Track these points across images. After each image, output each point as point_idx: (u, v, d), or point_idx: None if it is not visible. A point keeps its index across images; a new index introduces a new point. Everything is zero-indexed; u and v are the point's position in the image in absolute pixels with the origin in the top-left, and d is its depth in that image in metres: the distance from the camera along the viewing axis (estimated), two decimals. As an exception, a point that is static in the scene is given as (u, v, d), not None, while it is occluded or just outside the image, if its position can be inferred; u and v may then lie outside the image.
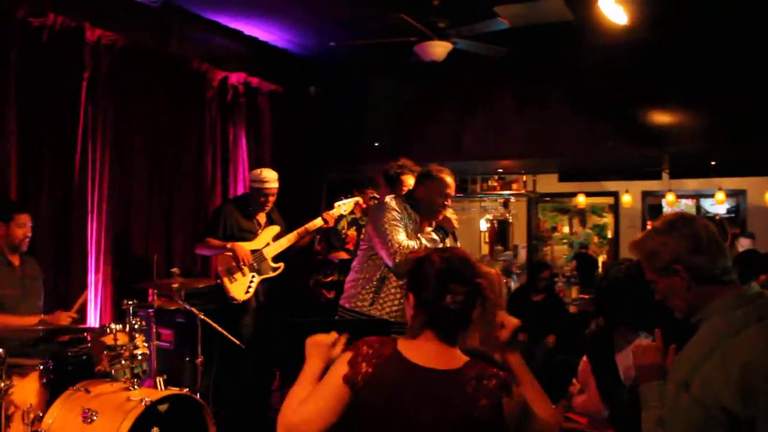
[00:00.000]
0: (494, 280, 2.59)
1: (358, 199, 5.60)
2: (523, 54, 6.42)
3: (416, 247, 3.79)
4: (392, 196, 4.04)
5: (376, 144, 7.55)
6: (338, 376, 1.94)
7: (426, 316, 2.01)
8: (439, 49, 5.66)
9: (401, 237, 3.79)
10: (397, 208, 3.89)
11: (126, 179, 5.60)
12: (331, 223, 5.32)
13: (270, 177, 5.24)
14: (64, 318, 4.17)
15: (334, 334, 2.19)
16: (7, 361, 3.42)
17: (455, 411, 1.89)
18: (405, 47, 5.81)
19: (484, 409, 1.89)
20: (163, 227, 5.93)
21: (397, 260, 3.77)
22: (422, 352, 1.98)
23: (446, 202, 3.99)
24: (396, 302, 3.87)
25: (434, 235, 3.93)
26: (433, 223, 4.04)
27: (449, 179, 4.00)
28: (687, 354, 1.95)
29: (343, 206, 5.43)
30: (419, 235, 3.91)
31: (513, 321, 2.16)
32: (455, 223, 4.03)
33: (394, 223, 3.83)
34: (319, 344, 2.15)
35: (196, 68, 6.25)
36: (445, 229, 3.98)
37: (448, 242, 4.08)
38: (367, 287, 3.90)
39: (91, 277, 5.22)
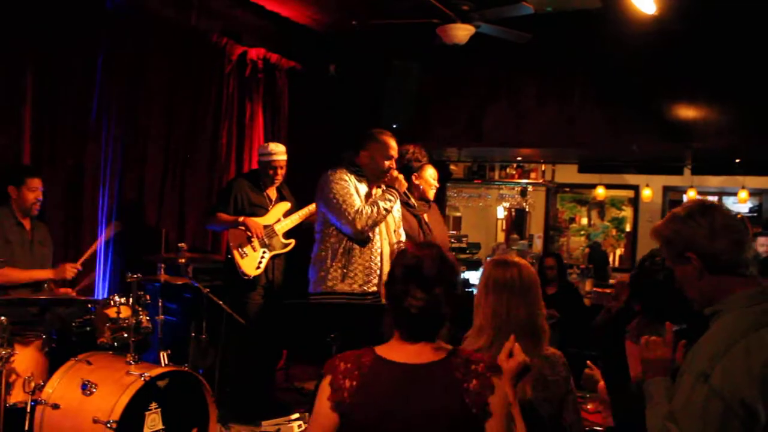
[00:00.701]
0: (516, 272, 2.49)
1: None
2: (547, 41, 6.30)
3: (374, 210, 3.80)
4: (332, 168, 3.99)
5: (395, 126, 7.46)
6: (324, 400, 1.91)
7: (392, 313, 1.97)
8: (462, 32, 5.55)
9: (357, 203, 3.80)
10: (343, 177, 3.87)
11: (140, 151, 5.57)
12: None
13: (277, 150, 5.22)
14: (69, 270, 4.20)
15: None
16: (10, 329, 3.40)
17: (448, 397, 1.85)
18: (428, 29, 5.72)
19: (476, 390, 1.84)
20: (176, 202, 5.90)
21: (358, 226, 3.77)
22: (402, 351, 1.94)
23: (391, 164, 3.96)
24: (367, 270, 3.87)
25: (387, 195, 3.90)
26: (382, 186, 4.01)
27: (391, 140, 3.98)
28: (705, 346, 1.90)
29: None
30: (373, 199, 3.90)
31: (521, 357, 2.06)
32: (403, 182, 4.00)
33: (344, 190, 3.82)
34: None
35: (215, 42, 6.18)
36: (394, 187, 3.96)
37: (399, 205, 4.09)
38: (334, 264, 3.86)
39: (102, 248, 5.20)
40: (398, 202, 4.04)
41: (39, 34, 4.71)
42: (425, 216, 4.66)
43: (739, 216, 1.99)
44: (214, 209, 5.23)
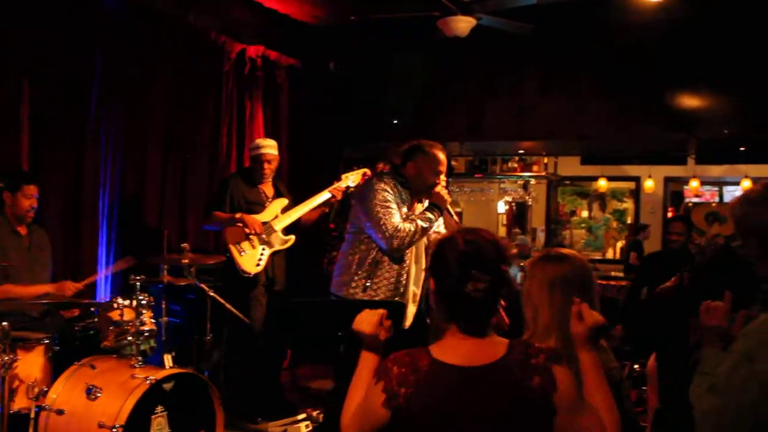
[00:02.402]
0: (578, 265, 2.40)
1: (366, 170, 5.46)
2: (549, 32, 6.25)
3: (412, 229, 3.66)
4: (378, 175, 3.90)
5: (396, 121, 7.41)
6: (377, 404, 1.82)
7: (447, 305, 1.87)
8: (463, 25, 5.51)
9: (396, 219, 3.64)
10: (387, 188, 3.72)
11: (140, 152, 5.51)
12: (339, 196, 5.19)
13: (267, 143, 5.16)
14: (69, 288, 4.12)
15: (378, 313, 2.04)
16: (12, 335, 3.34)
17: (509, 399, 1.76)
18: (428, 22, 5.67)
19: (539, 387, 1.75)
20: (176, 202, 5.84)
21: (394, 245, 3.63)
22: (459, 351, 1.83)
23: (437, 180, 3.82)
24: (390, 286, 3.75)
25: (429, 214, 3.76)
26: (425, 201, 3.89)
27: (441, 155, 3.82)
28: (759, 326, 1.86)
29: (351, 177, 5.29)
30: (414, 216, 3.77)
31: (594, 316, 1.95)
32: (447, 198, 3.85)
33: (386, 204, 3.67)
34: (368, 333, 2.02)
35: (213, 40, 6.13)
36: (438, 205, 3.82)
37: (442, 220, 3.95)
38: (360, 272, 3.74)
39: (102, 251, 5.16)
40: (440, 220, 3.89)
41: (35, 37, 4.65)
42: None
43: None
44: (210, 208, 5.10)
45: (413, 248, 3.82)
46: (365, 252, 3.75)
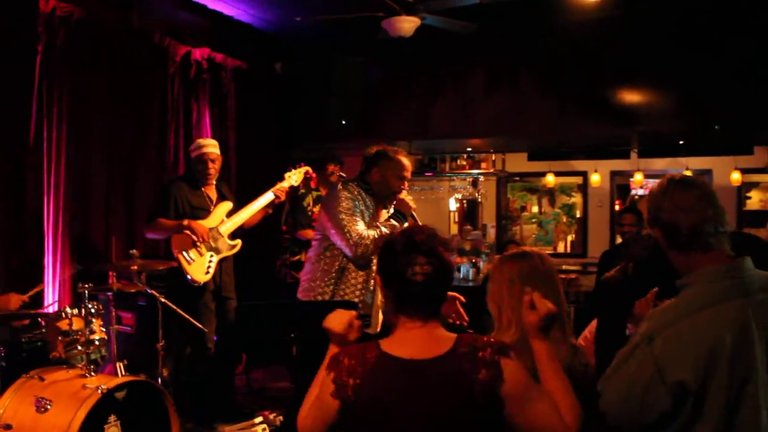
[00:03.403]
0: (538, 261, 2.44)
1: (307, 168, 5.45)
2: (493, 32, 6.34)
3: (376, 236, 3.67)
4: (343, 182, 3.90)
5: (344, 122, 7.43)
6: (328, 394, 1.87)
7: (394, 295, 1.93)
8: (407, 25, 5.55)
9: (360, 227, 3.66)
10: (351, 196, 3.73)
11: (84, 157, 5.39)
12: (283, 197, 5.17)
13: (208, 142, 5.08)
14: (15, 300, 4.02)
15: (350, 314, 2.08)
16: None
17: (455, 392, 1.80)
18: (373, 23, 5.69)
19: (485, 380, 1.79)
20: (123, 207, 5.74)
21: (358, 252, 3.64)
22: (406, 343, 1.89)
23: (402, 186, 3.84)
24: (357, 293, 3.76)
25: (393, 221, 3.79)
26: (390, 207, 3.90)
27: (406, 161, 3.84)
28: (663, 311, 1.93)
29: (293, 176, 5.27)
30: (378, 222, 3.78)
31: (545, 305, 1.99)
32: (412, 204, 3.87)
33: (350, 211, 3.68)
34: (337, 331, 2.05)
35: (157, 43, 6.05)
36: (402, 212, 3.84)
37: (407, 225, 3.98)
38: (326, 279, 3.76)
39: (48, 259, 5.03)
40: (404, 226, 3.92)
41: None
42: None
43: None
44: (154, 215, 4.93)
45: None
46: (331, 259, 3.76)
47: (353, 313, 2.09)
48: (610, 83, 6.96)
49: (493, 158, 9.38)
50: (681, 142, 8.23)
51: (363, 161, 3.97)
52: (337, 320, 2.06)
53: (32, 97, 4.95)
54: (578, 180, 9.59)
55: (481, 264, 7.93)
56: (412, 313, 1.90)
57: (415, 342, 1.88)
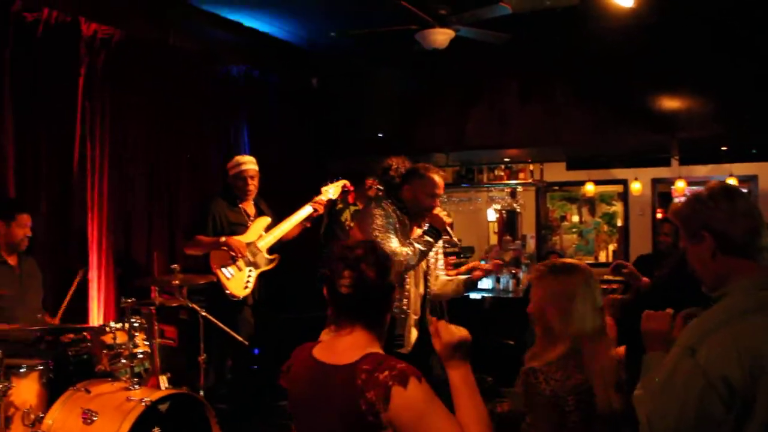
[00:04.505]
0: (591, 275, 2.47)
1: (345, 182, 5.48)
2: (527, 41, 6.31)
3: (410, 253, 3.66)
4: (376, 199, 3.90)
5: (380, 135, 7.47)
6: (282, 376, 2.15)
7: (330, 303, 2.06)
8: (441, 37, 5.56)
9: (393, 244, 3.64)
10: (383, 213, 3.74)
11: (126, 175, 5.52)
12: (321, 210, 5.20)
13: (246, 159, 5.11)
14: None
15: None
16: (6, 362, 3.36)
17: (343, 404, 1.88)
18: (406, 36, 5.72)
19: (371, 400, 1.83)
20: (165, 223, 5.85)
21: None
22: (330, 348, 2.03)
23: (434, 203, 3.82)
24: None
25: (427, 237, 3.77)
26: (424, 224, 3.88)
27: (437, 178, 3.82)
28: (700, 322, 1.91)
29: (331, 190, 5.30)
30: (411, 239, 3.78)
31: (450, 332, 1.97)
32: (446, 219, 3.85)
33: (383, 229, 3.68)
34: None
35: (195, 61, 6.17)
36: (436, 228, 3.82)
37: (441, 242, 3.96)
38: None
39: (93, 275, 5.16)
40: (439, 244, 3.90)
41: (17, 63, 4.68)
42: None
43: None
44: (192, 232, 5.01)
45: (412, 273, 3.82)
46: None
47: None
48: (647, 90, 6.88)
49: (531, 168, 9.31)
50: (723, 148, 8.07)
51: (381, 175, 4.00)
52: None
53: (76, 118, 5.10)
54: (618, 188, 9.46)
55: (521, 275, 7.87)
56: (340, 321, 2.03)
57: (337, 348, 2.00)
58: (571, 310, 2.41)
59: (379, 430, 1.84)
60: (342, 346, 2.00)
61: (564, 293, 2.43)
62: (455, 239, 4.19)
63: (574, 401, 2.28)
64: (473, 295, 7.30)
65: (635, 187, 8.95)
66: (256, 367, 5.26)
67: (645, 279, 4.07)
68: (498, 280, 7.65)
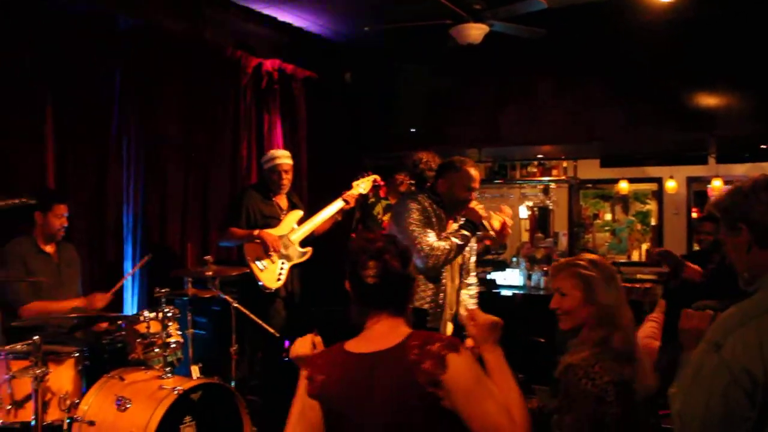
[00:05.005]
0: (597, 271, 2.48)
1: (375, 176, 5.50)
2: (562, 36, 6.25)
3: (447, 247, 3.65)
4: (413, 193, 3.90)
5: (412, 129, 7.45)
6: (302, 391, 2.07)
7: (355, 296, 2.09)
8: (476, 32, 5.53)
9: (431, 238, 3.65)
10: (420, 207, 3.74)
11: (161, 168, 5.60)
12: (352, 203, 5.23)
13: (280, 153, 5.18)
14: (100, 300, 4.21)
15: (310, 337, 2.26)
16: (43, 348, 3.43)
17: (401, 381, 1.92)
18: (441, 30, 5.70)
19: (428, 370, 1.89)
20: (198, 216, 5.92)
21: (429, 263, 3.64)
22: (365, 340, 2.06)
23: (470, 196, 3.81)
24: (426, 305, 3.74)
25: (464, 231, 3.76)
26: (460, 219, 3.87)
27: (473, 171, 3.80)
28: (727, 317, 1.88)
29: (362, 184, 5.33)
30: (448, 233, 3.77)
31: (486, 316, 2.11)
32: (483, 213, 3.83)
33: (421, 223, 3.68)
34: (300, 356, 2.20)
35: (230, 55, 6.22)
36: (473, 221, 3.81)
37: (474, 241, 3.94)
38: None
39: (127, 266, 5.24)
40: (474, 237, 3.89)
41: (55, 57, 4.77)
42: None
43: None
44: (226, 224, 5.10)
45: (448, 267, 3.82)
46: None
47: (312, 335, 2.27)
48: (684, 86, 6.76)
49: (565, 165, 9.23)
50: (762, 146, 7.91)
51: (411, 168, 3.98)
52: (302, 346, 2.23)
53: (112, 111, 5.18)
54: (653, 187, 9.33)
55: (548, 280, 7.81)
56: (367, 311, 2.08)
57: (372, 338, 2.04)
58: (606, 297, 2.43)
59: (439, 401, 1.90)
60: (375, 335, 2.04)
61: (588, 285, 2.45)
62: (491, 233, 4.16)
63: (614, 392, 2.27)
64: (504, 292, 7.27)
65: (670, 185, 8.82)
66: (286, 359, 5.26)
67: (695, 267, 4.03)
68: (529, 277, 7.60)
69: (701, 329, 2.10)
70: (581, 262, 2.51)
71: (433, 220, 3.75)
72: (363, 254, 2.06)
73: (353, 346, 2.07)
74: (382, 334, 2.04)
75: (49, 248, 4.31)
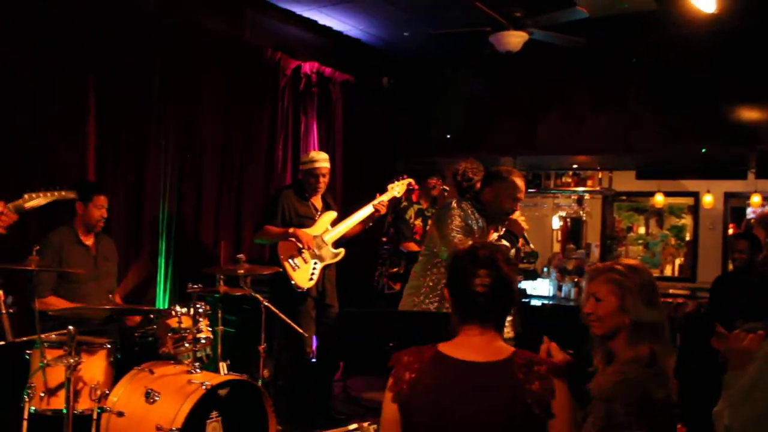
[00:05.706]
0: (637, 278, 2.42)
1: (410, 180, 5.50)
2: (602, 46, 6.20)
3: None
4: (457, 199, 3.89)
5: (448, 136, 7.45)
6: (387, 392, 2.02)
7: (459, 306, 2.04)
8: (515, 39, 5.52)
9: None
10: (463, 214, 3.72)
11: (197, 166, 5.67)
12: (383, 210, 5.23)
13: (320, 156, 5.18)
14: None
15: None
16: (77, 338, 3.49)
17: (509, 397, 1.89)
18: (480, 37, 5.70)
19: (538, 392, 1.88)
20: (233, 214, 5.98)
21: None
22: (464, 348, 2.00)
23: (515, 206, 3.79)
24: None
25: (504, 242, 3.72)
26: (500, 228, 3.85)
27: (519, 181, 3.78)
28: None
29: (396, 188, 5.33)
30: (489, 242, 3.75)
31: (562, 357, 2.13)
32: (525, 225, 3.81)
33: (462, 230, 3.67)
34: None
35: (269, 57, 6.28)
36: (514, 232, 3.79)
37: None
38: (431, 296, 3.75)
39: (161, 261, 5.32)
40: (514, 249, 3.85)
41: (99, 53, 4.86)
42: None
43: None
44: (262, 222, 5.15)
45: None
46: (438, 275, 3.74)
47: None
48: (725, 99, 6.66)
49: (600, 176, 9.14)
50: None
51: (452, 177, 3.96)
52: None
53: (152, 106, 5.26)
54: (689, 201, 9.20)
55: (584, 284, 7.73)
56: (473, 322, 2.02)
57: (472, 347, 2.00)
58: (632, 311, 2.35)
59: (541, 423, 1.90)
60: (480, 345, 2.00)
61: (624, 293, 2.38)
62: (531, 246, 4.11)
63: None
64: (533, 302, 7.22)
65: (707, 200, 8.68)
66: (314, 359, 5.30)
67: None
68: (559, 288, 7.54)
69: (752, 350, 2.04)
70: (619, 267, 2.46)
71: (475, 228, 3.73)
72: (471, 263, 2.01)
73: (448, 349, 2.02)
74: (482, 345, 2.00)
75: (88, 240, 4.38)
